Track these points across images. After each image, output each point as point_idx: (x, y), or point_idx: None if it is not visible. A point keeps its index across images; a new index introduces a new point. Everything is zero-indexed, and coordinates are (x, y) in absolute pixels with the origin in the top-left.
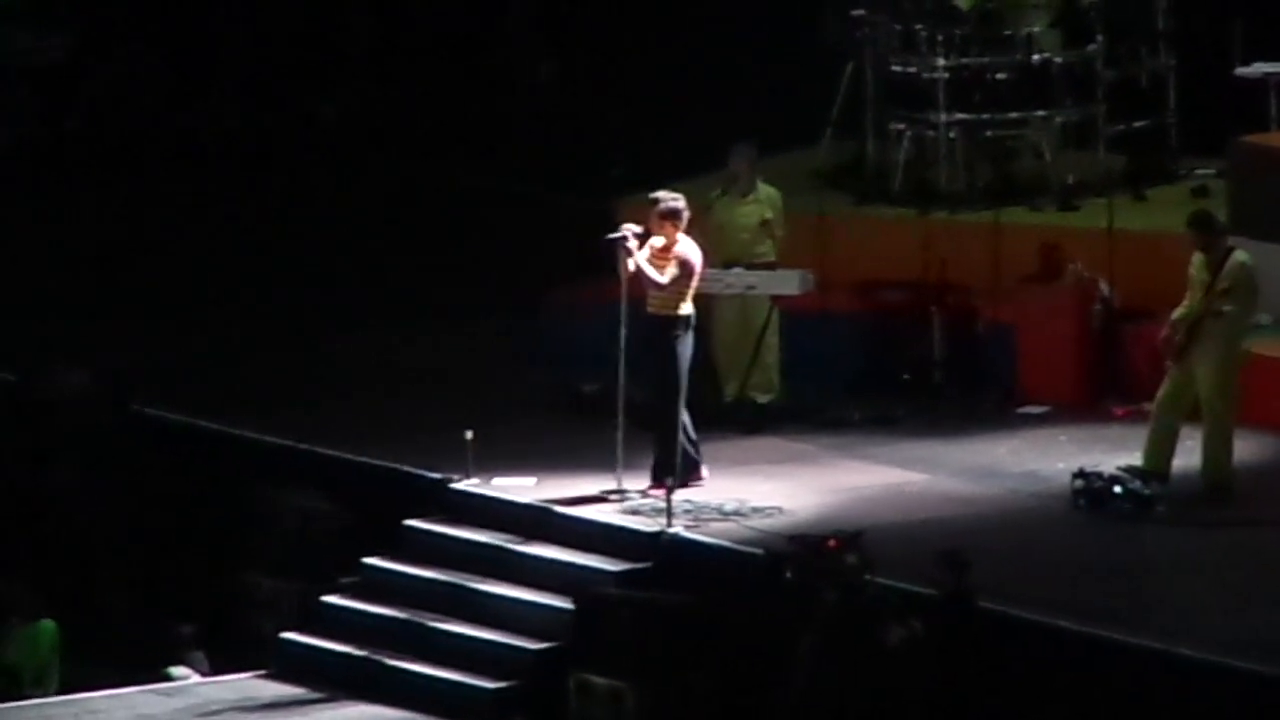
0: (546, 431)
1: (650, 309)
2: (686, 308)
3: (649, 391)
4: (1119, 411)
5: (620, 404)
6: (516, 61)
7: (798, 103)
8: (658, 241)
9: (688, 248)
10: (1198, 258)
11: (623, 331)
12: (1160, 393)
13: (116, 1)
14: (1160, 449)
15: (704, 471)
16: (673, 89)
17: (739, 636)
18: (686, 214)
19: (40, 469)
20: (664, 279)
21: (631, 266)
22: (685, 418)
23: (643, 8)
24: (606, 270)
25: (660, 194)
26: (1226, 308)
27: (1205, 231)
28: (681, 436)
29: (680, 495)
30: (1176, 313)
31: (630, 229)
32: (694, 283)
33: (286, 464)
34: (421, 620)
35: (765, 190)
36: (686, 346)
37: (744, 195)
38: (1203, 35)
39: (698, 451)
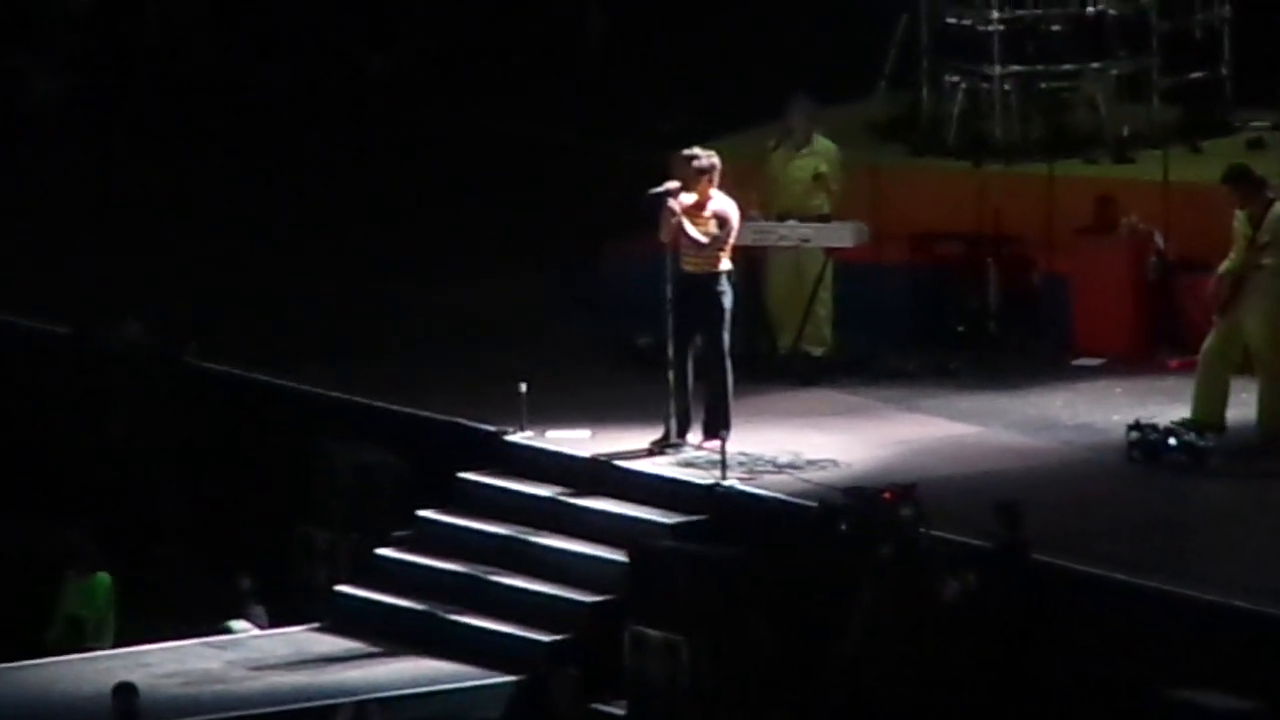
0: (601, 384)
1: (687, 268)
2: (725, 263)
3: (697, 347)
4: (1174, 363)
5: (671, 358)
6: (566, 13)
7: (852, 55)
8: (689, 198)
9: (725, 205)
10: (1240, 212)
11: (669, 287)
12: (1206, 344)
13: None
14: (1210, 400)
15: (689, 436)
16: (728, 41)
17: (794, 589)
18: (719, 171)
19: (97, 421)
20: (705, 239)
21: (675, 224)
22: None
23: None
24: (650, 225)
25: (695, 150)
26: (1267, 261)
27: (1241, 186)
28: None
29: (735, 448)
30: (1222, 266)
31: (673, 185)
32: (733, 239)
33: (341, 416)
34: (475, 573)
35: (822, 144)
36: (729, 300)
37: (799, 148)
38: None
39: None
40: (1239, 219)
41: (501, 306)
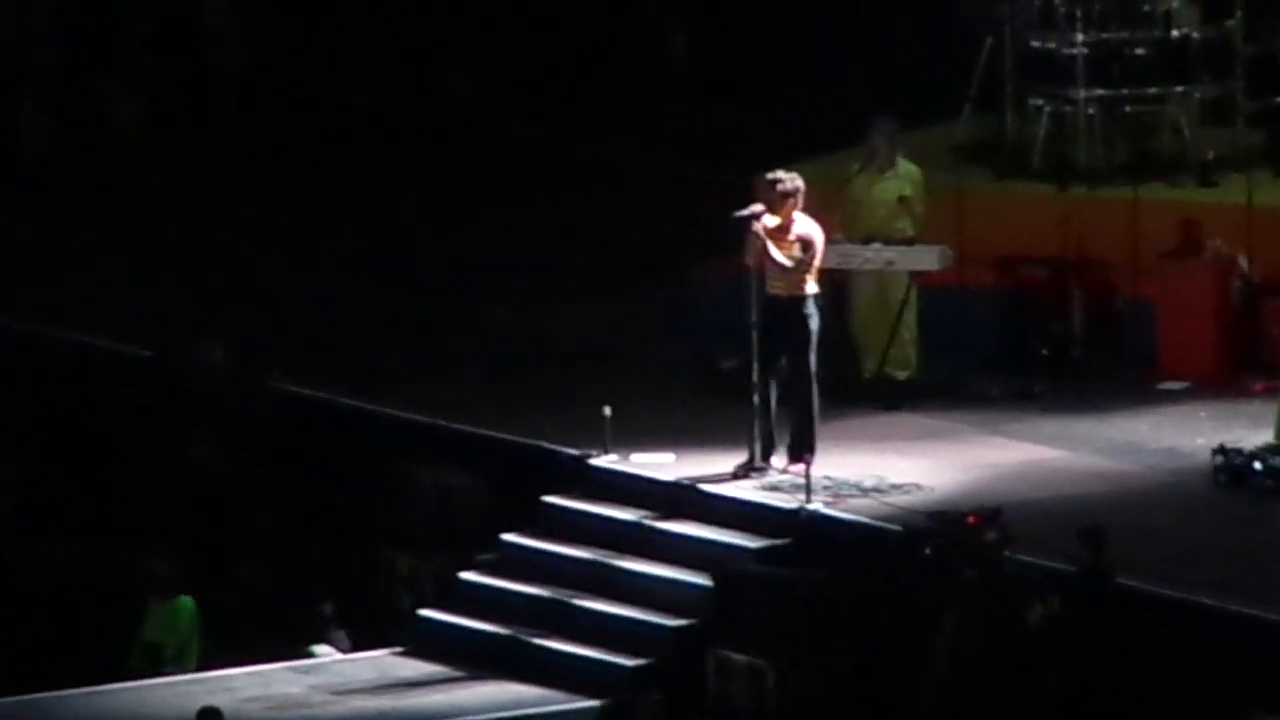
0: (685, 407)
1: (773, 291)
2: (811, 286)
3: (782, 370)
4: (1259, 387)
5: (756, 381)
6: (648, 36)
7: (937, 78)
8: (772, 221)
9: (809, 227)
10: None
11: (754, 310)
12: None
13: None
14: None
15: (773, 460)
16: (811, 63)
17: (878, 613)
18: (803, 194)
19: (179, 445)
20: (789, 262)
21: (759, 247)
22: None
23: None
24: (735, 248)
25: (777, 173)
26: None
27: None
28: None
29: (819, 471)
30: None
31: (757, 208)
32: (818, 262)
33: (425, 440)
34: (559, 597)
35: (906, 167)
36: (815, 323)
37: (883, 171)
38: None
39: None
40: None
41: (586, 329)
